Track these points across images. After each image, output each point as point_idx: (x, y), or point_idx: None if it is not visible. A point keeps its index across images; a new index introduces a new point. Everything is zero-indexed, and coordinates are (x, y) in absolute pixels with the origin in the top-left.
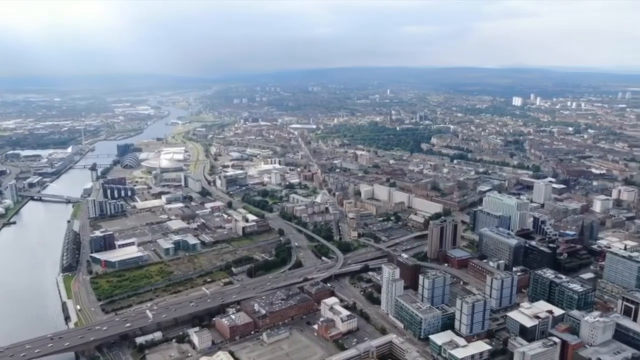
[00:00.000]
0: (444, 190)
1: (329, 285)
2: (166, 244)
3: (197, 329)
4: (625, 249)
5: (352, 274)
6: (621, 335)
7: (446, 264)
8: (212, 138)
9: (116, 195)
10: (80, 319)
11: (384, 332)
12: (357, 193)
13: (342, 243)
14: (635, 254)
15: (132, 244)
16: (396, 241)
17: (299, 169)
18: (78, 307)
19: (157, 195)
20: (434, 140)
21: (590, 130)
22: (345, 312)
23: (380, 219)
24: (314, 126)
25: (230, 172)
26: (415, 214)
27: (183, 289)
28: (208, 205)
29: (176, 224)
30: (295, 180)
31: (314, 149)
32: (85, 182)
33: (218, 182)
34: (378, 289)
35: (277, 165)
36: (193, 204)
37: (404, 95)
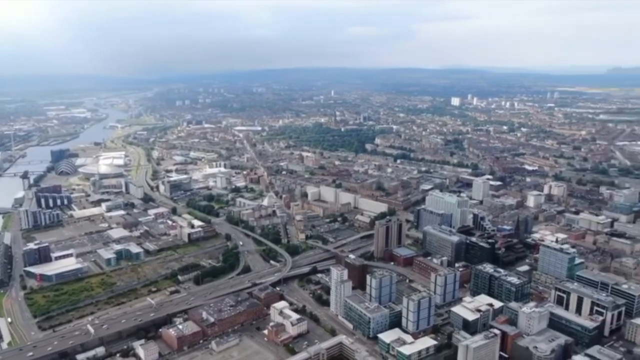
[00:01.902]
0: (388, 190)
1: (278, 289)
2: (107, 254)
3: (142, 341)
4: (556, 241)
5: (301, 276)
6: (555, 323)
7: (392, 263)
8: (154, 142)
9: (51, 204)
10: (14, 338)
11: (333, 333)
12: (304, 195)
13: (290, 246)
14: (565, 246)
15: (70, 255)
16: (343, 242)
17: (244, 172)
18: (9, 320)
19: (97, 203)
20: (377, 140)
21: (523, 129)
22: (295, 316)
23: (328, 220)
24: (259, 128)
25: (174, 176)
26: (362, 214)
27: (127, 300)
28: (151, 211)
29: (118, 232)
30: (241, 183)
31: (259, 151)
32: (16, 191)
33: (161, 188)
34: (327, 290)
35: (222, 169)
36: (135, 211)
37: (347, 96)
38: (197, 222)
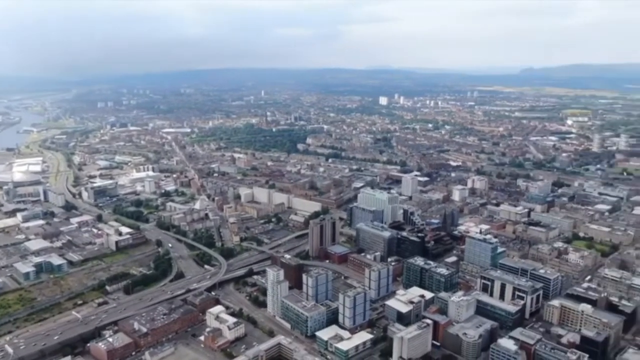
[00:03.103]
0: (321, 189)
1: (213, 293)
2: (25, 267)
3: (69, 358)
4: (480, 232)
5: (236, 279)
6: (481, 309)
7: (327, 261)
8: (74, 146)
9: None
10: None
11: (272, 334)
12: (237, 197)
13: (224, 249)
14: (488, 236)
15: None
16: (278, 242)
17: (174, 175)
18: None
19: (11, 213)
20: (309, 140)
21: (446, 126)
22: (231, 320)
23: (262, 221)
24: (189, 130)
25: (98, 182)
26: (296, 214)
27: (49, 315)
28: (74, 220)
29: (36, 243)
30: (171, 187)
31: (189, 153)
32: None
33: (84, 194)
34: (263, 292)
35: (150, 173)
36: (56, 220)
37: (278, 96)
38: (125, 229)
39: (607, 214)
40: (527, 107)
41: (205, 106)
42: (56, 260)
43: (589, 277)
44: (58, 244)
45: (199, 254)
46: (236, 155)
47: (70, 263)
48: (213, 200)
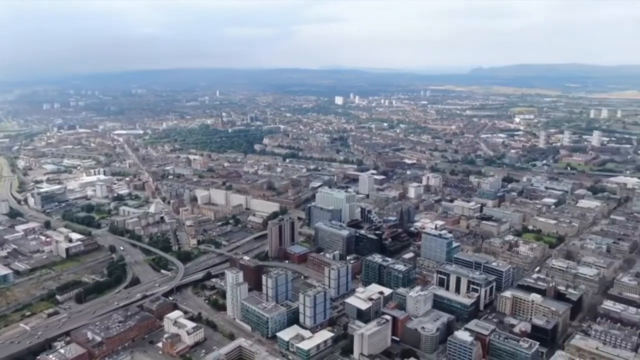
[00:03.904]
0: (279, 189)
1: (171, 298)
2: None
3: None
4: (435, 228)
5: (194, 283)
6: (438, 303)
7: (287, 261)
8: (18, 150)
9: None
10: None
11: (232, 337)
12: (194, 199)
13: (181, 253)
14: (443, 231)
15: None
16: (237, 244)
17: (127, 179)
18: None
19: None
20: (266, 140)
21: (401, 125)
22: (190, 324)
23: (220, 223)
24: (141, 131)
25: (46, 187)
26: (254, 215)
27: None
28: (20, 227)
29: None
30: (124, 191)
31: (142, 155)
32: None
33: (31, 200)
34: (223, 295)
35: (101, 176)
36: (0, 228)
37: (233, 97)
38: (75, 236)
39: (553, 207)
40: (477, 105)
41: (158, 107)
42: (1, 270)
43: (538, 268)
44: (3, 253)
45: (155, 259)
46: (192, 157)
47: (17, 273)
48: (168, 203)
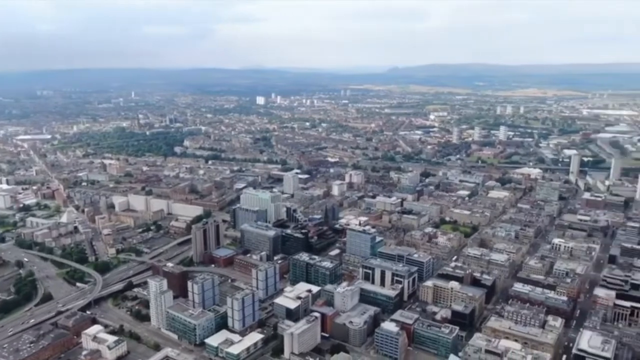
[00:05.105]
0: (202, 192)
1: (89, 313)
2: None
3: None
4: (359, 224)
5: (115, 294)
6: (364, 297)
7: (213, 265)
8: None
9: None
10: None
11: (158, 348)
12: (111, 206)
13: (99, 263)
14: (367, 227)
15: None
16: (160, 251)
17: (34, 187)
18: None
19: None
20: (187, 142)
21: (323, 124)
22: (111, 339)
23: (140, 230)
24: (49, 136)
25: None
26: (176, 219)
27: None
28: None
29: None
30: (31, 200)
31: (51, 162)
32: None
33: None
34: (146, 304)
35: (4, 186)
36: None
37: (150, 98)
38: None
39: (467, 198)
40: (395, 104)
41: (67, 110)
42: None
43: (455, 257)
44: None
45: (69, 272)
46: (107, 162)
47: None
48: (82, 211)
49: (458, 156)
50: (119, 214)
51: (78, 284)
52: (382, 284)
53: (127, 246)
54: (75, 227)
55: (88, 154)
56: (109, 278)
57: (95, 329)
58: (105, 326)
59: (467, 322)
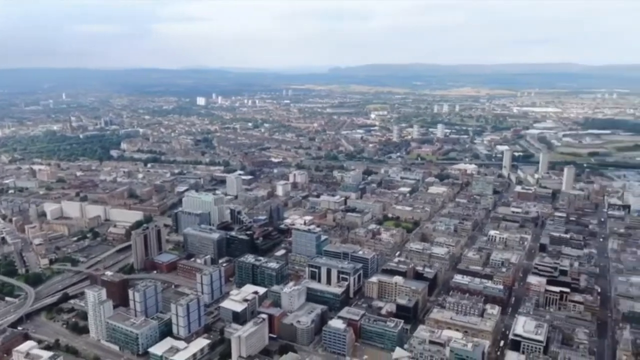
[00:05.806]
0: (142, 197)
1: (20, 328)
2: None
3: None
4: (304, 223)
5: (49, 307)
6: (311, 296)
7: (155, 271)
8: None
9: None
10: None
11: None
12: (42, 214)
13: (30, 275)
14: (312, 226)
15: None
16: (97, 259)
17: None
18: None
19: None
20: (124, 145)
21: (265, 124)
22: (46, 355)
23: (75, 238)
24: None
25: None
26: (115, 225)
27: None
28: None
29: None
30: None
31: None
32: None
33: None
34: (84, 316)
35: None
36: None
37: (83, 99)
38: None
39: (408, 195)
40: (336, 103)
41: None
42: None
43: (398, 252)
44: None
45: None
46: (36, 167)
47: None
48: (10, 221)
49: (398, 154)
50: (52, 222)
51: (7, 299)
52: (329, 282)
53: (62, 256)
54: (3, 238)
55: (15, 159)
56: (42, 290)
57: (27, 345)
58: (39, 342)
59: (411, 315)
